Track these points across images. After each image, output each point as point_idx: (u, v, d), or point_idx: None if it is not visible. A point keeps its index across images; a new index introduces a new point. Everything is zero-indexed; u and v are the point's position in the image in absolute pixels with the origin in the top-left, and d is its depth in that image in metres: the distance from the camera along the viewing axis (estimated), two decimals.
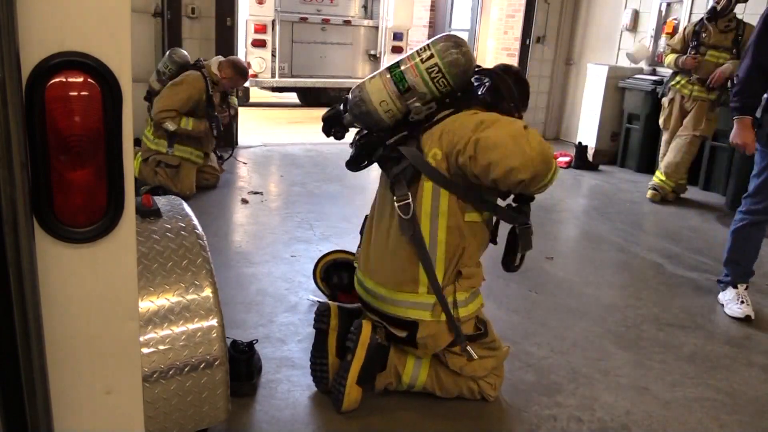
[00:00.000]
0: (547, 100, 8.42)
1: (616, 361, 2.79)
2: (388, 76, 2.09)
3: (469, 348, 2.21)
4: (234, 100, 5.14)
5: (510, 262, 2.21)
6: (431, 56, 2.05)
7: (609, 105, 6.95)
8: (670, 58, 5.51)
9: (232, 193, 5.03)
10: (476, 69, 2.25)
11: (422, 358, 2.28)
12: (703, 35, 5.32)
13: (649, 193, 5.66)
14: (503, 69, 2.36)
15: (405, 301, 2.18)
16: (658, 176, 5.64)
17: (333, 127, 2.27)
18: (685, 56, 5.35)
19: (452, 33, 2.14)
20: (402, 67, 2.09)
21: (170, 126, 4.47)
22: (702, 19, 5.37)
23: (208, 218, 4.22)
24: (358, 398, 2.23)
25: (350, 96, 2.16)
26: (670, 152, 5.56)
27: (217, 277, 1.84)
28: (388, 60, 9.19)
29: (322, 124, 2.29)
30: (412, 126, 2.14)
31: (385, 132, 2.16)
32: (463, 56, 2.08)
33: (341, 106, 2.24)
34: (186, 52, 4.85)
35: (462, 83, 2.13)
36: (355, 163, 2.27)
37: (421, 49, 2.10)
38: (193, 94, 4.50)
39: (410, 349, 2.26)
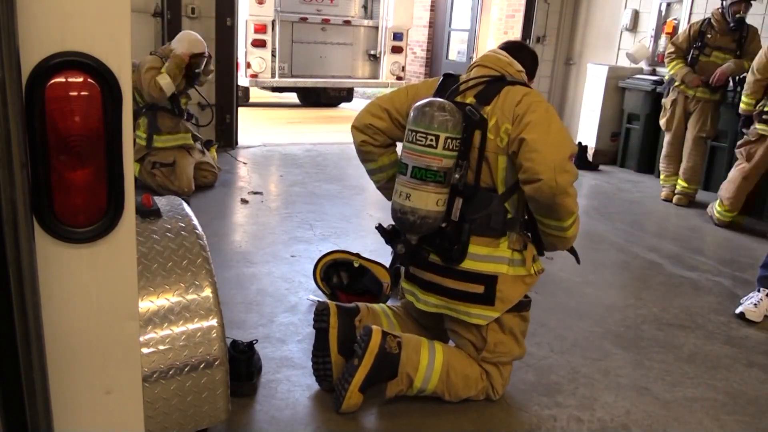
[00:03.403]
0: (547, 100, 8.35)
1: (616, 361, 2.79)
2: (428, 183, 2.11)
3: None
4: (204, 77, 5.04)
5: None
6: (438, 136, 2.09)
7: (609, 105, 6.95)
8: (676, 69, 5.43)
9: (231, 193, 5.03)
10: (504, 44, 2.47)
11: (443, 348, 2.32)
12: (708, 36, 5.32)
13: (676, 198, 5.61)
14: (520, 47, 2.50)
15: (488, 255, 2.23)
16: (681, 183, 5.61)
17: (414, 259, 2.30)
18: (693, 76, 5.33)
19: (420, 103, 2.16)
20: (428, 168, 2.11)
21: (164, 81, 4.46)
22: (707, 19, 5.37)
23: (208, 218, 4.22)
24: (358, 403, 2.22)
25: (406, 225, 2.17)
26: (683, 160, 5.56)
27: (217, 277, 1.84)
28: (388, 60, 9.20)
29: (399, 262, 2.35)
30: (459, 190, 2.20)
31: (445, 217, 2.21)
32: (451, 113, 2.12)
33: (401, 246, 2.24)
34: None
35: (461, 124, 2.17)
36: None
37: (419, 138, 2.11)
38: (154, 64, 4.53)
39: (426, 345, 2.29)
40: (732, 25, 5.21)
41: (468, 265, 2.23)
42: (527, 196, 2.15)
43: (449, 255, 2.23)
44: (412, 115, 2.17)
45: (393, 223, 2.28)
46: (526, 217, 2.31)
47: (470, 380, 2.31)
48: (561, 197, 2.08)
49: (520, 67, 2.35)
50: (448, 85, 2.32)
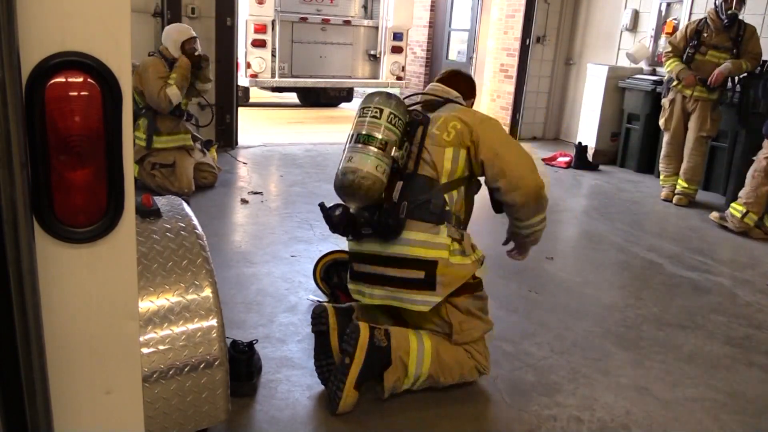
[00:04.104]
0: (547, 100, 8.42)
1: (616, 361, 2.79)
2: (369, 146, 2.28)
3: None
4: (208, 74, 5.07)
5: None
6: (382, 110, 2.34)
7: (609, 105, 6.95)
8: (672, 66, 5.46)
9: (231, 193, 5.03)
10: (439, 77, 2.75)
11: (424, 328, 2.38)
12: (705, 35, 5.32)
13: (676, 198, 5.60)
14: (453, 76, 2.75)
15: (426, 241, 2.31)
16: (681, 184, 5.60)
17: (349, 226, 2.38)
18: (688, 73, 5.33)
19: (374, 91, 2.48)
20: (370, 133, 2.31)
21: (173, 93, 4.51)
22: (704, 18, 5.37)
23: (208, 218, 4.22)
24: (354, 402, 2.23)
25: (346, 185, 2.28)
26: (684, 160, 5.55)
27: (217, 277, 1.84)
28: (388, 60, 9.21)
29: (335, 229, 2.42)
30: (401, 173, 2.35)
31: (385, 196, 2.33)
32: (397, 99, 2.41)
33: (339, 209, 2.36)
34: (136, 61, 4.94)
35: (406, 115, 2.41)
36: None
37: (365, 111, 2.37)
38: (159, 69, 4.58)
39: (413, 320, 2.36)
40: (725, 21, 5.21)
41: (407, 250, 2.31)
42: (518, 206, 2.37)
43: (387, 228, 2.30)
44: (363, 99, 2.43)
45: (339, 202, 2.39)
46: (462, 217, 2.48)
47: (460, 357, 2.37)
48: (543, 190, 2.38)
49: (457, 93, 2.64)
50: None
